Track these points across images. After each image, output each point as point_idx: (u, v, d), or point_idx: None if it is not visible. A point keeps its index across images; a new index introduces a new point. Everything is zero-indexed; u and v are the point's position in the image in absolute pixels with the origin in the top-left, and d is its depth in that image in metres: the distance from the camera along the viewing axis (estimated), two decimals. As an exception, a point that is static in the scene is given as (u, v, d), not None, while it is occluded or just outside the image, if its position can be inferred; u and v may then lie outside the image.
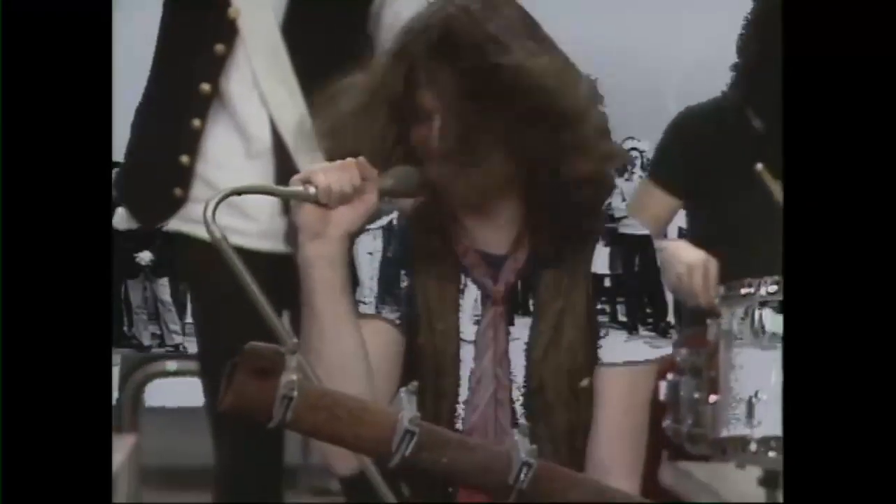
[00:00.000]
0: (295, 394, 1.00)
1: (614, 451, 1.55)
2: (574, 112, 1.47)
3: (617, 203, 3.26)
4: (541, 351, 1.55)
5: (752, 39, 2.61)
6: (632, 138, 7.27)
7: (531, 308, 1.56)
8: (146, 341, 4.28)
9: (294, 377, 1.01)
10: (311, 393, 1.03)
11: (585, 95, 1.51)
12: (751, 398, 1.79)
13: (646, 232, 1.66)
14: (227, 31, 2.07)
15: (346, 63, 1.62)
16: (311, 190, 1.42)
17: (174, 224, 2.18)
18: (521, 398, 1.55)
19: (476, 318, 1.58)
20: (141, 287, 4.51)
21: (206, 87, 2.09)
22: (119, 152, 2.20)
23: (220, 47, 2.06)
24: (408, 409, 1.11)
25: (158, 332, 4.45)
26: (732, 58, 2.97)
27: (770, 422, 1.76)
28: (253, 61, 2.06)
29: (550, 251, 1.56)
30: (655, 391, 1.72)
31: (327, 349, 1.45)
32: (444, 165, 1.49)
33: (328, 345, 1.44)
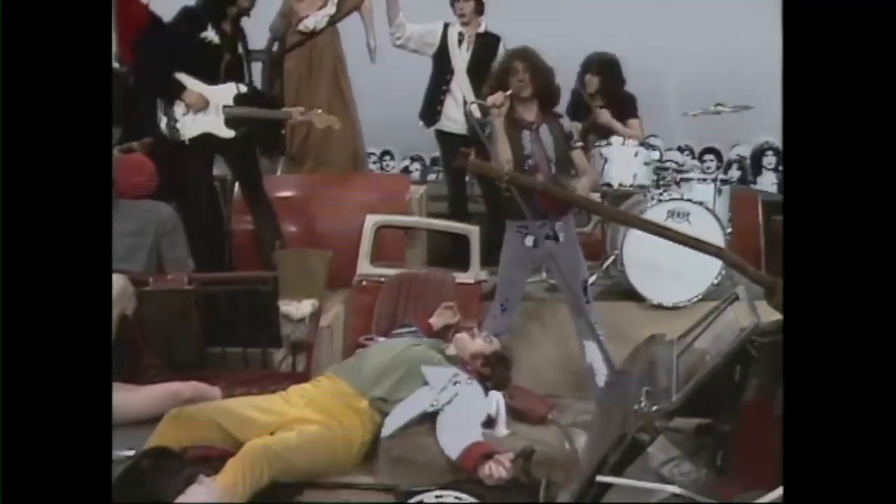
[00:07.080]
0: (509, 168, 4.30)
1: (584, 165, 4.69)
2: (552, 78, 4.76)
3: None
4: (553, 143, 4.56)
5: None
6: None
7: (547, 133, 4.61)
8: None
9: (510, 168, 4.32)
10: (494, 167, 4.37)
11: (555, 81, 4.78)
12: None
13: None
14: (451, 71, 6.30)
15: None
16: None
17: (436, 126, 6.49)
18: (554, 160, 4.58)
19: (530, 139, 4.61)
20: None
21: (444, 87, 6.32)
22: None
23: (448, 76, 6.31)
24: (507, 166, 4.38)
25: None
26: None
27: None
28: (459, 80, 6.25)
29: (547, 117, 4.64)
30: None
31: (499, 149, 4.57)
32: (522, 91, 4.59)
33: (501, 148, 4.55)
